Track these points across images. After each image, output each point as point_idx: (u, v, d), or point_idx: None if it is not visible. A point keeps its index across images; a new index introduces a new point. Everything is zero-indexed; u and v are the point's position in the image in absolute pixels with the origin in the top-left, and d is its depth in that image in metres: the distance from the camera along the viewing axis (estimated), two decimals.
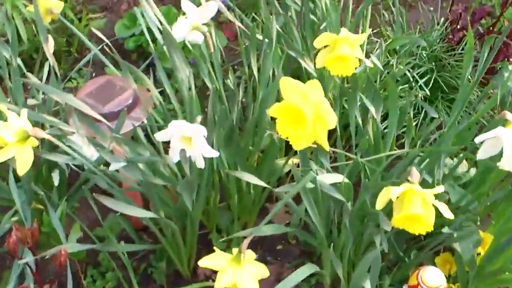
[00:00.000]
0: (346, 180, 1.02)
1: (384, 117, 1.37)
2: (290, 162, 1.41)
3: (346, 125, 1.40)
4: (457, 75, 1.63)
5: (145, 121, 1.23)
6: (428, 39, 1.69)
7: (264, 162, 1.30)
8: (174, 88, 1.43)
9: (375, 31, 1.86)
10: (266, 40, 1.22)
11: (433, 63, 1.65)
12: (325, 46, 1.07)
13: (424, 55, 1.65)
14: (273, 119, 0.90)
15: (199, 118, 0.99)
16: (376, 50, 1.40)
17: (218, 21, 2.05)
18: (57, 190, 1.19)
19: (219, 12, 2.12)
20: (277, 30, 1.23)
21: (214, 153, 0.97)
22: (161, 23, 1.19)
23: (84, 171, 1.09)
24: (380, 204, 0.88)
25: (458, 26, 1.70)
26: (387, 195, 0.87)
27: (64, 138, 1.08)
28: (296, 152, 1.43)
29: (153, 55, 1.33)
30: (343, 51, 1.01)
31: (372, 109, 1.21)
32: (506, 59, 1.64)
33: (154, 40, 1.47)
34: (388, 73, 1.40)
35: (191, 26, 1.18)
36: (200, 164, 1.00)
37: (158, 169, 1.12)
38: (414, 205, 0.85)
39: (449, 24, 1.72)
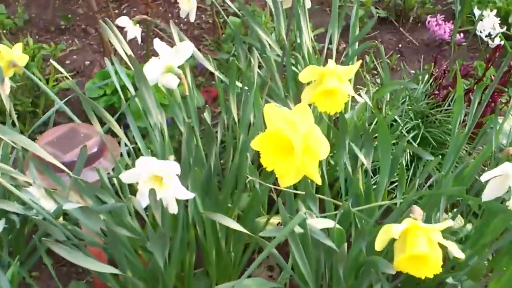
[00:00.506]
0: (338, 226, 0.90)
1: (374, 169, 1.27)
2: (272, 221, 1.29)
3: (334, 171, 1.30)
4: (445, 131, 1.57)
5: (111, 172, 1.11)
6: (413, 95, 1.63)
7: (245, 219, 1.18)
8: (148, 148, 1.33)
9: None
10: (246, 88, 1.14)
11: (420, 119, 1.59)
12: (309, 83, 0.98)
13: (410, 111, 1.59)
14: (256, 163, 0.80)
15: (171, 157, 0.88)
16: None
17: (196, 83, 1.98)
18: (7, 245, 1.04)
19: (195, 75, 2.08)
20: (258, 75, 1.15)
21: (189, 195, 0.85)
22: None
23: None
24: (379, 244, 0.76)
25: (443, 82, 1.66)
26: (388, 233, 0.75)
27: (20, 189, 0.95)
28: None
29: (125, 110, 1.21)
30: (332, 83, 0.92)
31: (361, 156, 1.11)
32: (493, 113, 1.59)
33: (127, 99, 1.39)
34: (376, 123, 1.31)
35: (164, 68, 1.09)
36: (173, 209, 0.87)
37: (125, 222, 0.98)
38: (419, 244, 0.73)
39: (433, 81, 1.67)
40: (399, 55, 2.18)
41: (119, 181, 1.05)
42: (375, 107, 1.32)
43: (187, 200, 1.02)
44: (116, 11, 2.51)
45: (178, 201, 0.87)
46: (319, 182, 0.78)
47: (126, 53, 1.07)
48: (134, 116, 1.43)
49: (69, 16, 2.37)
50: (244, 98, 1.13)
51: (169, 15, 2.50)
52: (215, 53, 2.21)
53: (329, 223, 0.89)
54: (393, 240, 0.77)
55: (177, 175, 0.84)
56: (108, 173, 1.10)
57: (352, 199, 1.04)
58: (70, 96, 1.65)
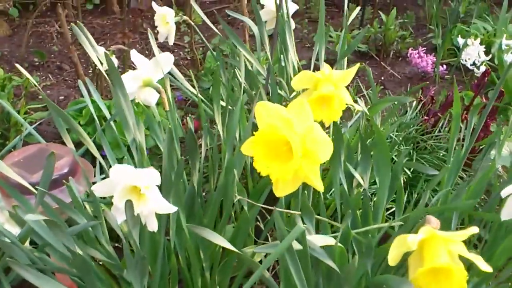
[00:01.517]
0: (340, 245, 0.80)
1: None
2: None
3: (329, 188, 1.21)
4: (438, 157, 1.50)
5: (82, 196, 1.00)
6: (403, 122, 1.57)
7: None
8: None
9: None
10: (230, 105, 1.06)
11: (411, 146, 1.52)
12: (303, 91, 0.90)
13: (401, 138, 1.53)
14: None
15: (151, 168, 0.78)
16: (356, 114, 1.25)
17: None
18: None
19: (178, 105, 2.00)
20: (244, 90, 1.07)
21: (171, 208, 0.74)
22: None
23: None
24: (394, 258, 0.66)
25: (432, 108, 1.61)
26: (403, 245, 0.66)
27: None
28: (267, 236, 1.22)
29: (101, 137, 1.11)
30: (327, 89, 0.84)
31: (357, 175, 1.03)
32: (486, 137, 1.53)
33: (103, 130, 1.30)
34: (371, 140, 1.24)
35: (142, 82, 1.01)
36: (153, 226, 0.76)
37: (98, 245, 0.86)
38: (439, 255, 0.64)
39: (422, 107, 1.62)
40: (382, 87, 2.14)
41: (93, 206, 0.95)
42: (365, 129, 1.25)
43: (168, 223, 0.91)
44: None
45: (158, 223, 0.77)
46: (321, 188, 0.69)
47: (98, 60, 0.98)
48: (110, 146, 1.34)
49: (43, 53, 2.29)
50: (229, 115, 1.04)
51: (146, 50, 2.44)
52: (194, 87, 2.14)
53: (330, 240, 0.79)
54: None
55: (158, 186, 0.74)
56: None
57: (349, 219, 0.95)
58: (40, 121, 1.55)
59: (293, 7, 1.37)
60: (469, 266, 0.82)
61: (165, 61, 1.03)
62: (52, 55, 2.36)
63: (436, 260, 0.63)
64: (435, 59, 2.14)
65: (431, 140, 1.53)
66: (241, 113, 1.07)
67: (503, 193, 0.80)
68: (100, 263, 1.22)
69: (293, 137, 0.65)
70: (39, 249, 0.86)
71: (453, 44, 2.29)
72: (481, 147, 1.59)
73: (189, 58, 2.43)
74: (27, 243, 0.84)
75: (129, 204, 0.71)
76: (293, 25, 1.37)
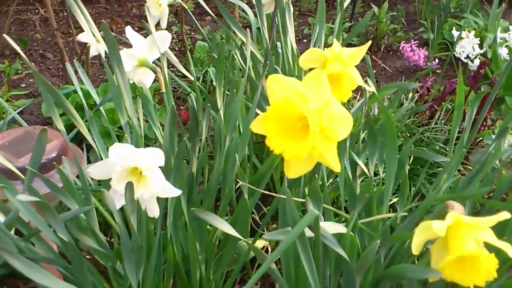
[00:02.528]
0: (351, 233, 0.75)
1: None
2: (257, 244, 1.13)
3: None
4: (435, 149, 1.47)
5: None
6: (399, 112, 1.54)
7: (226, 241, 1.02)
8: None
9: None
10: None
11: (409, 137, 1.49)
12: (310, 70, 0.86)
13: (398, 131, 1.49)
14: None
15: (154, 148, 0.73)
16: (358, 101, 1.21)
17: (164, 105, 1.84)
18: None
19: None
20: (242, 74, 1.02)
21: (176, 191, 0.69)
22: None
23: None
24: (417, 246, 0.62)
25: (428, 99, 1.58)
26: (427, 232, 0.61)
27: None
28: (263, 229, 1.17)
29: (90, 124, 1.04)
30: (337, 67, 0.80)
31: (361, 163, 0.99)
32: (486, 128, 1.51)
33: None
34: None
35: (137, 61, 0.95)
36: (154, 211, 0.71)
37: (91, 232, 0.81)
38: (467, 242, 0.60)
39: (419, 98, 1.59)
40: (375, 80, 2.11)
41: (84, 193, 0.89)
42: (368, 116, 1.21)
43: (164, 211, 0.86)
44: (79, 29, 2.37)
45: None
46: (338, 169, 0.64)
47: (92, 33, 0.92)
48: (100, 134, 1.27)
49: (26, 40, 2.21)
50: (229, 98, 0.99)
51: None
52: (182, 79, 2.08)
53: (341, 228, 0.74)
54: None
55: (160, 167, 0.69)
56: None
57: (359, 208, 0.90)
58: (22, 108, 1.48)
59: None
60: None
61: (162, 40, 0.97)
62: (35, 43, 2.28)
63: (464, 247, 0.59)
64: (427, 53, 2.11)
65: (428, 132, 1.50)
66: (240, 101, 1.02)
67: None
68: (88, 257, 1.16)
69: (310, 111, 0.60)
70: (24, 239, 0.80)
71: (444, 39, 2.27)
72: (477, 140, 1.57)
73: (177, 49, 2.36)
74: (11, 233, 0.78)
75: (129, 187, 0.66)
76: (291, 8, 1.32)
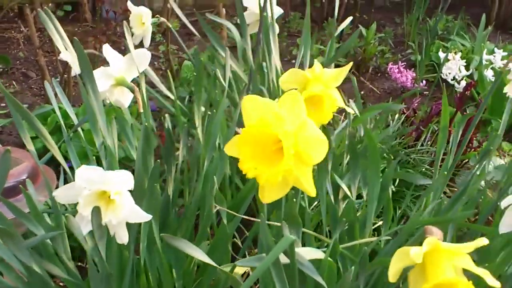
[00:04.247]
0: (330, 259, 0.72)
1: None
2: (239, 269, 1.09)
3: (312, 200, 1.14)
4: (421, 171, 1.45)
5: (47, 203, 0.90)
6: (385, 134, 1.52)
7: (206, 266, 0.98)
8: None
9: None
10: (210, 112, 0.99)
11: (394, 160, 1.47)
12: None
13: (384, 152, 1.47)
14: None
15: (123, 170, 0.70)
16: (343, 121, 1.19)
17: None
18: None
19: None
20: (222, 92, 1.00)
21: (145, 216, 0.66)
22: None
23: None
24: (394, 273, 0.59)
25: (415, 121, 1.57)
26: (405, 259, 0.58)
27: None
28: (244, 254, 1.14)
29: (67, 144, 1.02)
30: (318, 88, 0.78)
31: (343, 185, 0.96)
32: (472, 150, 1.50)
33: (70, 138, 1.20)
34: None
35: (114, 80, 0.93)
36: (122, 238, 0.68)
37: (57, 259, 0.77)
38: (445, 269, 0.57)
39: (405, 119, 1.58)
40: (362, 101, 2.10)
41: (54, 217, 0.85)
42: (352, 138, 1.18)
43: (137, 237, 0.82)
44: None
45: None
46: (313, 193, 0.61)
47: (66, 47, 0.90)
48: (78, 156, 1.24)
49: (8, 58, 2.18)
50: (210, 118, 0.97)
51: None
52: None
53: (319, 254, 0.72)
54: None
55: (130, 191, 0.66)
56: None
57: (338, 232, 0.88)
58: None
59: (278, 10, 1.31)
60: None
61: (141, 59, 0.95)
62: (18, 62, 2.25)
63: (442, 275, 0.56)
64: (414, 75, 2.11)
65: (414, 154, 1.48)
66: (221, 120, 0.99)
67: (503, 203, 0.75)
68: (61, 284, 1.12)
69: (285, 134, 0.58)
70: None
71: (431, 60, 2.27)
72: (463, 161, 1.55)
73: (163, 68, 2.35)
74: None
75: (96, 212, 0.63)
76: (277, 29, 1.31)
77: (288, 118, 0.60)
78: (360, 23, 2.69)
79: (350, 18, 1.45)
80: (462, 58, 2.22)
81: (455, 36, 2.33)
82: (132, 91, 0.94)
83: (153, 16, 2.41)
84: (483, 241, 0.57)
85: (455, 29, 2.44)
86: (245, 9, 1.30)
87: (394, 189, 1.36)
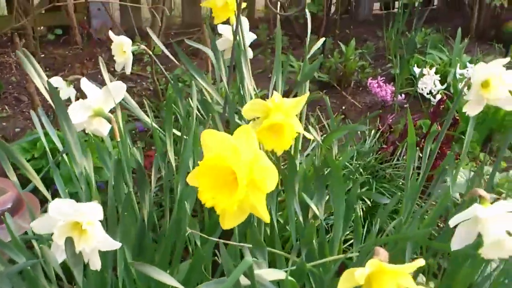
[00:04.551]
0: (291, 279, 0.78)
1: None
2: None
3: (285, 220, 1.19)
4: (397, 185, 1.50)
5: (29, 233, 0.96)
6: (361, 150, 1.58)
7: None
8: None
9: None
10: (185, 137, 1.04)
11: (370, 175, 1.52)
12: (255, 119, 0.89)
13: (360, 167, 1.53)
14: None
15: (95, 201, 0.75)
16: (312, 143, 1.25)
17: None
18: None
19: (134, 140, 1.97)
20: (197, 119, 1.05)
21: (115, 244, 0.71)
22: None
23: None
24: None
25: (390, 136, 1.62)
26: (351, 280, 0.64)
27: None
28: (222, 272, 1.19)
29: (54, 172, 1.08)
30: (278, 117, 0.83)
31: (312, 205, 1.01)
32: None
33: (58, 164, 1.26)
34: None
35: (92, 111, 0.98)
36: (95, 265, 0.73)
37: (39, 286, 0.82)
38: None
39: (380, 135, 1.63)
40: (343, 116, 2.16)
41: (38, 245, 0.91)
42: (321, 158, 1.24)
43: (115, 260, 0.88)
44: (54, 70, 2.42)
45: (105, 260, 0.74)
46: (267, 219, 0.67)
47: (46, 88, 0.95)
48: (63, 180, 1.29)
49: (1, 83, 2.24)
50: (183, 144, 1.02)
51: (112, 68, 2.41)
52: (155, 118, 2.12)
53: (280, 275, 0.77)
54: None
55: (103, 220, 0.71)
56: (26, 233, 0.95)
57: (303, 252, 0.93)
58: None
59: (250, 37, 1.37)
60: None
61: (117, 90, 1.00)
62: (10, 86, 2.31)
63: None
64: (394, 89, 2.17)
65: (389, 168, 1.54)
66: (195, 142, 1.05)
67: (451, 222, 0.80)
68: None
69: (239, 167, 0.63)
70: None
71: (411, 74, 2.34)
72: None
73: (151, 88, 2.40)
74: None
75: (69, 241, 0.68)
76: (250, 54, 1.36)
77: (243, 150, 0.66)
78: (343, 37, 2.76)
79: (322, 40, 1.52)
80: (439, 71, 2.29)
81: (432, 50, 2.39)
82: (109, 121, 0.99)
83: (142, 38, 2.48)
84: (420, 263, 0.62)
85: (433, 43, 2.51)
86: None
87: (370, 204, 1.42)
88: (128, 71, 1.38)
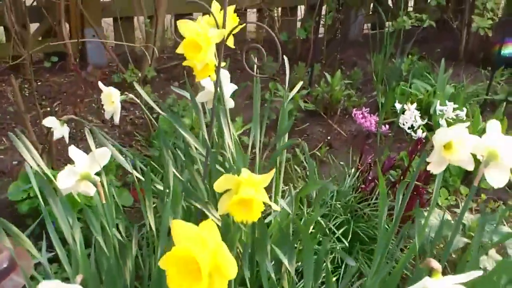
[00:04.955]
0: None
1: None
2: None
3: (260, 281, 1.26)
4: (374, 225, 1.58)
5: None
6: (341, 189, 1.66)
7: None
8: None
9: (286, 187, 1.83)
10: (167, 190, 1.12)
11: (349, 214, 1.60)
12: (227, 191, 0.97)
13: (339, 205, 1.61)
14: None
15: (79, 277, 0.83)
16: (287, 197, 1.32)
17: (126, 181, 1.95)
18: None
19: (126, 172, 2.04)
20: (180, 181, 1.13)
21: None
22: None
23: None
24: None
25: (370, 176, 1.70)
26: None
27: None
28: None
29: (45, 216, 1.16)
30: (247, 192, 0.91)
31: (285, 262, 1.09)
32: (419, 206, 1.62)
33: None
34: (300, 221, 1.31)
35: (79, 176, 1.06)
36: None
37: None
38: None
39: (360, 174, 1.71)
40: (328, 148, 2.23)
41: None
42: (298, 207, 1.32)
43: None
44: (48, 108, 2.48)
45: None
46: None
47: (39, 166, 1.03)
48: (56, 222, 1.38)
49: None
50: (164, 202, 1.10)
51: (102, 111, 2.49)
52: (147, 149, 2.20)
53: None
54: None
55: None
56: None
57: None
58: None
59: (231, 88, 1.45)
60: None
61: (102, 157, 1.08)
62: (8, 116, 2.39)
63: None
64: (378, 119, 2.24)
65: (367, 208, 1.61)
66: (176, 201, 1.13)
67: None
68: None
69: (202, 258, 0.71)
70: None
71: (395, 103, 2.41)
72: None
73: (143, 117, 2.48)
74: None
75: None
76: (231, 104, 1.44)
77: (208, 240, 0.74)
78: (331, 62, 2.83)
79: (300, 83, 1.59)
80: (424, 101, 2.37)
81: (417, 79, 2.47)
82: (95, 184, 1.08)
83: (135, 66, 2.54)
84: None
85: (418, 70, 2.58)
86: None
87: (347, 244, 1.50)
88: (116, 120, 1.46)
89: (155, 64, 2.87)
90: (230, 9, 1.17)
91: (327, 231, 1.49)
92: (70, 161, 2.03)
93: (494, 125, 1.03)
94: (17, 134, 1.04)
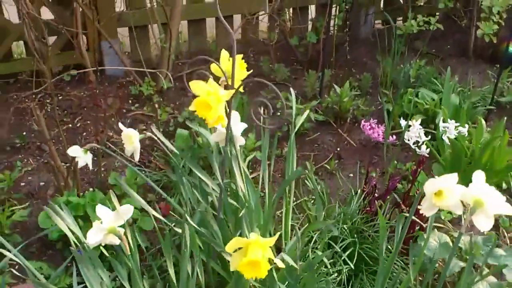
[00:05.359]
0: None
1: None
2: None
3: None
4: (378, 247, 1.69)
5: None
6: (347, 211, 1.76)
7: None
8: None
9: (296, 201, 1.95)
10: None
11: (355, 236, 1.71)
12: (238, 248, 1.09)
13: (346, 228, 1.71)
14: None
15: None
16: (293, 236, 1.44)
17: (146, 200, 2.07)
18: None
19: (147, 190, 2.17)
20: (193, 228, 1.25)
21: None
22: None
23: None
24: None
25: (376, 195, 1.80)
26: None
27: None
28: None
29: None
30: (255, 255, 1.03)
31: None
32: (420, 229, 1.73)
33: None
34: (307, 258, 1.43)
35: (107, 230, 1.19)
36: None
37: None
38: None
39: (366, 195, 1.81)
40: (337, 161, 2.33)
41: None
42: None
43: None
44: (70, 125, 2.61)
45: None
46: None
47: None
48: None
49: (24, 134, 2.45)
50: (182, 252, 1.22)
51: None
52: (164, 165, 2.31)
53: None
54: None
55: None
56: None
57: None
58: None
59: (241, 127, 1.55)
60: None
61: (125, 212, 1.21)
62: (33, 135, 2.52)
63: None
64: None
65: (371, 228, 1.72)
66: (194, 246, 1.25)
67: None
68: None
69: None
70: None
71: (403, 111, 2.49)
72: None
73: (161, 130, 2.59)
74: None
75: None
76: (242, 142, 1.54)
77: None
78: (341, 65, 2.90)
79: (307, 112, 1.69)
80: (430, 111, 2.45)
81: (422, 88, 2.54)
82: (120, 238, 1.21)
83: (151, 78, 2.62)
84: None
85: (426, 76, 2.65)
86: None
87: (353, 267, 1.61)
88: (136, 159, 1.57)
89: (171, 72, 2.96)
90: (239, 57, 1.25)
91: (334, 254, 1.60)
92: (93, 181, 2.14)
93: (479, 176, 1.13)
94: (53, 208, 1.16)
